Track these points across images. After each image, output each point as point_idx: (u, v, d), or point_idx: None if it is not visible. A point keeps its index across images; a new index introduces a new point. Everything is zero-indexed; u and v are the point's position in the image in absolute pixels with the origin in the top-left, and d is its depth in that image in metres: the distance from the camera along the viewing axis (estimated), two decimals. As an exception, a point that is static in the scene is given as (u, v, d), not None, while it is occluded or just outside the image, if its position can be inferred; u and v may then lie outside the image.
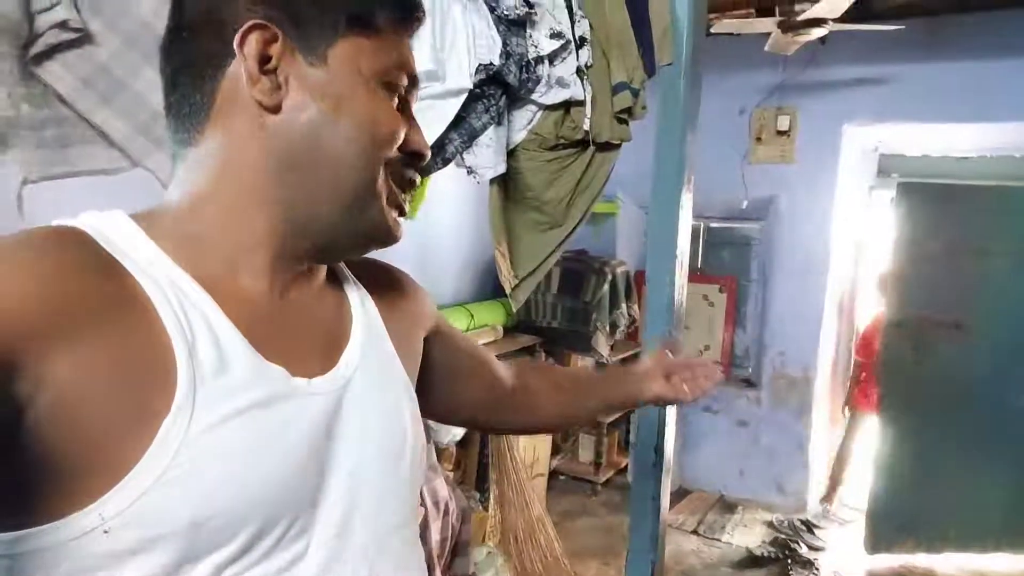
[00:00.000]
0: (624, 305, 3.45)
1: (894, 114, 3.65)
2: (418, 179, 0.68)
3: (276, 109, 0.58)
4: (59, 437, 0.47)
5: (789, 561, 3.26)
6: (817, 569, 3.23)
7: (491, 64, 1.42)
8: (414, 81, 0.66)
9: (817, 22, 2.82)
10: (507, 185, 1.70)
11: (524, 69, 1.51)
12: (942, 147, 3.87)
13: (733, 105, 3.87)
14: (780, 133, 3.83)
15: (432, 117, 1.37)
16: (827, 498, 3.94)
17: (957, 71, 3.44)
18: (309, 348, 0.62)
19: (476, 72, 1.40)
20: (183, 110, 0.59)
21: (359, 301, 0.71)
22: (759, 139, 3.88)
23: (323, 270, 0.68)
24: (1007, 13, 3.29)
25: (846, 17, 2.84)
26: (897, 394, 3.53)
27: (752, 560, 3.31)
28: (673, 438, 1.80)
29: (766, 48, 3.13)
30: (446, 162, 1.48)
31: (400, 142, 0.63)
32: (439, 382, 0.85)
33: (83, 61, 1.08)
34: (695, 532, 3.63)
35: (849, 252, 4.07)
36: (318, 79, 0.58)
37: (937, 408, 3.47)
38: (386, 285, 0.77)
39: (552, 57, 1.56)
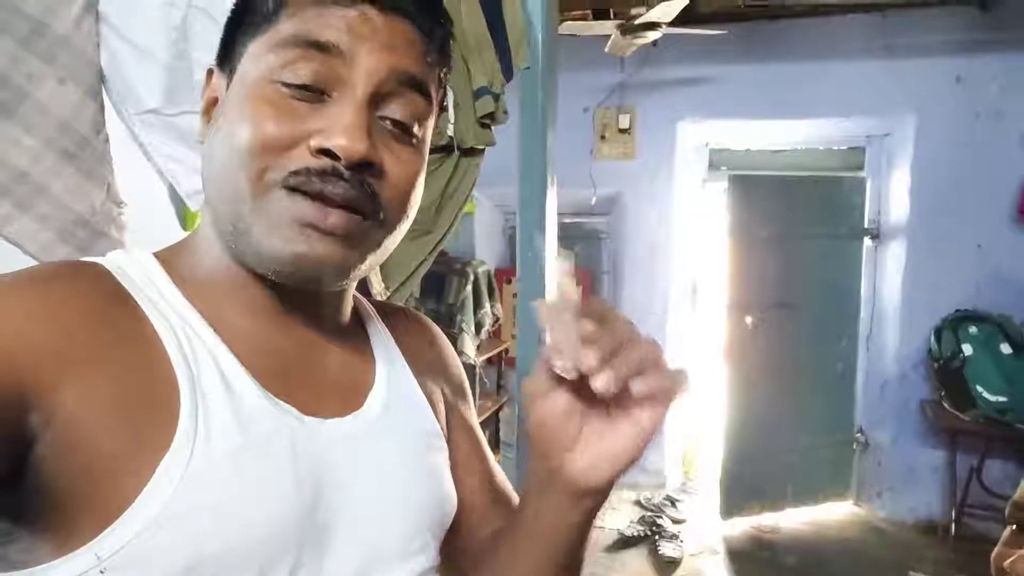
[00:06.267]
0: (488, 305, 3.46)
1: (719, 112, 3.96)
2: (353, 188, 0.53)
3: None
4: (59, 472, 0.45)
5: (656, 537, 3.43)
6: (681, 541, 3.43)
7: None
8: (331, 47, 0.52)
9: (653, 25, 2.98)
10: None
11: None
12: (762, 142, 4.25)
13: (577, 104, 4.00)
14: (622, 131, 4.01)
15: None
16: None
17: (770, 72, 3.78)
18: (326, 388, 0.59)
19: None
20: None
21: (383, 345, 0.67)
22: (603, 137, 4.04)
23: (341, 309, 0.64)
24: (809, 21, 3.67)
25: (674, 21, 3.03)
26: (740, 370, 3.84)
27: (624, 541, 3.45)
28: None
29: (606, 49, 3.26)
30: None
31: (278, 147, 0.51)
32: None
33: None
34: (568, 521, 3.72)
35: (688, 242, 4.35)
36: (224, 101, 0.57)
37: (773, 380, 3.81)
38: (413, 333, 0.74)
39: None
